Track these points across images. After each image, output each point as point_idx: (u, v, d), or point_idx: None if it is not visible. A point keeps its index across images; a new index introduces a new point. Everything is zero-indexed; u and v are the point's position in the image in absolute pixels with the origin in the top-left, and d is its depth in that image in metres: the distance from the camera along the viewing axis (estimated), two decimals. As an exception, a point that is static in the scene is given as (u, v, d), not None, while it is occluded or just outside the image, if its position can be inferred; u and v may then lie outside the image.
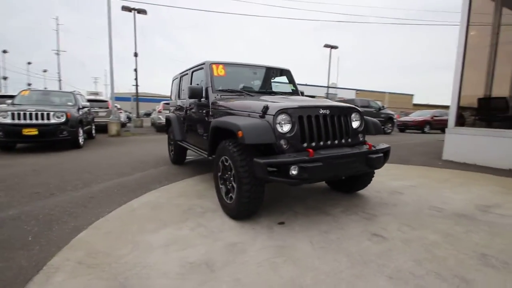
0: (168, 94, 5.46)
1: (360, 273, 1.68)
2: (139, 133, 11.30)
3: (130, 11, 14.96)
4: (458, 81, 5.43)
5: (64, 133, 6.05)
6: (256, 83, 3.87)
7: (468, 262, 1.82)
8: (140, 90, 17.73)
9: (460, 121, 5.53)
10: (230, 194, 2.46)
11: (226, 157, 2.47)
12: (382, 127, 7.42)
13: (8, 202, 2.91)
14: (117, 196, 3.14)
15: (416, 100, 46.14)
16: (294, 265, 1.77)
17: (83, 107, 7.38)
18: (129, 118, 20.97)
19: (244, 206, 2.30)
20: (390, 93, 42.59)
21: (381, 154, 2.54)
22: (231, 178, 2.44)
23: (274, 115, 2.25)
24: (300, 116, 2.35)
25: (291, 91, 4.03)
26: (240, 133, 2.14)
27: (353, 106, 2.74)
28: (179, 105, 4.59)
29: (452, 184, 3.77)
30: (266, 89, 3.80)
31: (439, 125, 15.60)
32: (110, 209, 2.75)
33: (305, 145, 2.36)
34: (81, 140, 6.80)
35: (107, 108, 11.21)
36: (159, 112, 11.90)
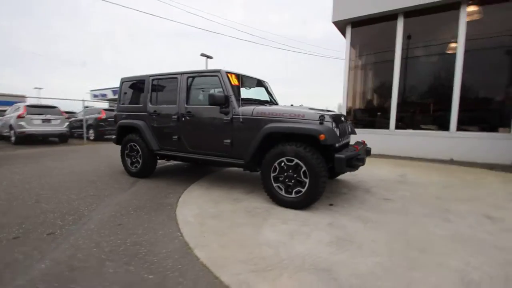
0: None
1: (414, 219, 2.70)
2: (-11, 149, 7.75)
3: None
4: (345, 99, 7.88)
5: None
6: (251, 92, 4.22)
7: (437, 202, 3.26)
8: None
9: (347, 124, 8.00)
10: (297, 188, 2.87)
11: (290, 157, 2.87)
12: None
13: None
14: (150, 216, 2.70)
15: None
16: (384, 224, 2.55)
17: None
18: None
19: (319, 195, 2.83)
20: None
21: (370, 147, 3.76)
22: (295, 175, 2.87)
23: (331, 122, 2.93)
24: (337, 121, 3.15)
25: (268, 100, 4.64)
26: (322, 136, 2.68)
27: (344, 114, 3.82)
28: (153, 111, 4.11)
29: (371, 166, 5.65)
30: (260, 98, 4.24)
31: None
32: (173, 228, 2.44)
33: (341, 143, 3.18)
34: None
35: None
36: (20, 117, 8.69)
